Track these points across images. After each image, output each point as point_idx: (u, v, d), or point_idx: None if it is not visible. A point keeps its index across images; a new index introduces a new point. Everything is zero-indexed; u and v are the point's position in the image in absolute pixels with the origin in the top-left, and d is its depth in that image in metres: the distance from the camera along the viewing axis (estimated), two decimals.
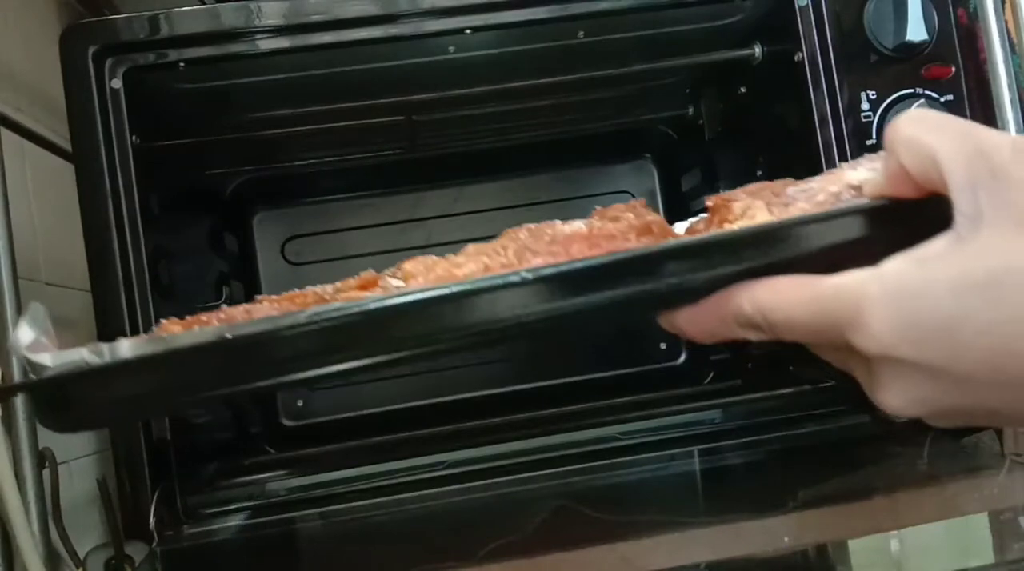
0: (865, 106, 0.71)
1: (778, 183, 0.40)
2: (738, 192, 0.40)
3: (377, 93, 0.83)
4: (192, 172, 0.91)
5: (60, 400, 0.36)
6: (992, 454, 0.64)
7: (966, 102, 0.71)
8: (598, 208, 0.42)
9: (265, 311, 0.39)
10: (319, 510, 0.71)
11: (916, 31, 0.70)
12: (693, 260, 0.34)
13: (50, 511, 0.65)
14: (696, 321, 0.36)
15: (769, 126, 0.80)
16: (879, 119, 0.71)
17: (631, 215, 0.41)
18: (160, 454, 0.68)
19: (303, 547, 0.70)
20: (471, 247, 0.41)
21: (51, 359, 0.37)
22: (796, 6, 0.72)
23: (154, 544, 0.66)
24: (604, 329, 0.79)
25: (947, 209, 0.30)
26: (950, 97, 0.71)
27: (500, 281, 0.33)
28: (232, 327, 0.35)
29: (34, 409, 0.38)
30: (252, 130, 0.87)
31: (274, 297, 0.40)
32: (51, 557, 0.64)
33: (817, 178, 0.39)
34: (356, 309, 0.33)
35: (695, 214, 0.42)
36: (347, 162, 1.00)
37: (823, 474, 0.67)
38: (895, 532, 0.65)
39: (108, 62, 0.69)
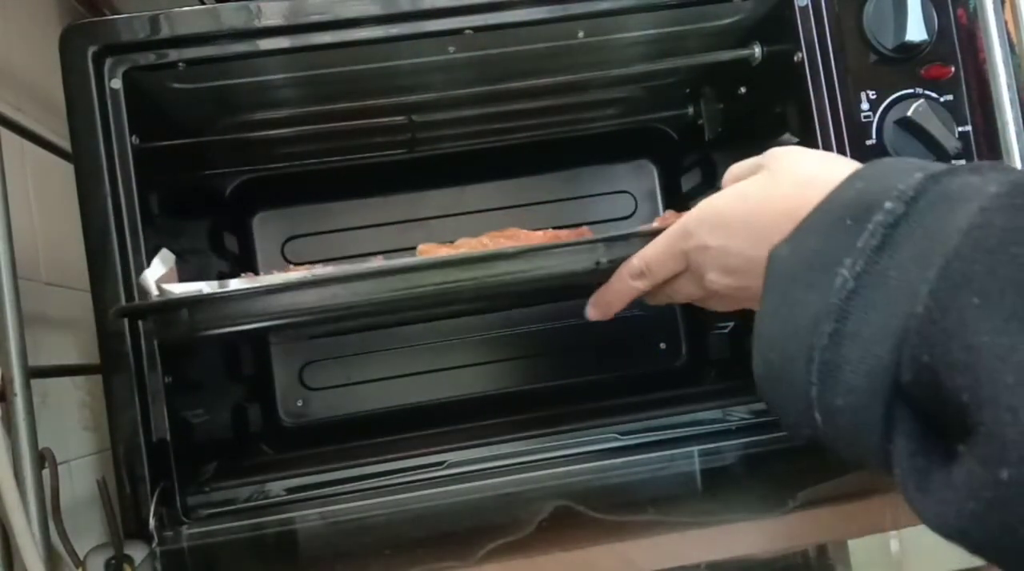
0: (865, 106, 0.71)
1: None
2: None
3: (377, 93, 0.83)
4: (192, 172, 0.91)
5: (181, 317, 0.54)
6: None
7: (966, 102, 0.71)
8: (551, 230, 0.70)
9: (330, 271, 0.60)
10: (319, 510, 0.71)
11: (916, 31, 0.70)
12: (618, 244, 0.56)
13: (50, 511, 0.65)
14: (609, 289, 0.57)
15: (769, 126, 0.80)
16: (879, 119, 0.71)
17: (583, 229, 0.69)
18: (160, 454, 0.68)
19: (303, 547, 0.70)
20: (461, 241, 0.68)
21: (177, 289, 0.55)
22: (796, 6, 0.72)
23: (154, 544, 0.66)
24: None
25: None
26: (950, 97, 0.71)
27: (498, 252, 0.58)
28: (314, 272, 0.58)
29: (157, 327, 0.60)
30: (252, 130, 0.87)
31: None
32: (51, 557, 0.64)
33: None
34: (403, 264, 0.57)
35: None
36: (347, 162, 1.00)
37: (823, 474, 0.67)
38: (895, 532, 0.65)
39: (108, 62, 0.69)
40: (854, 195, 0.38)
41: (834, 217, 0.38)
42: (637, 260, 0.55)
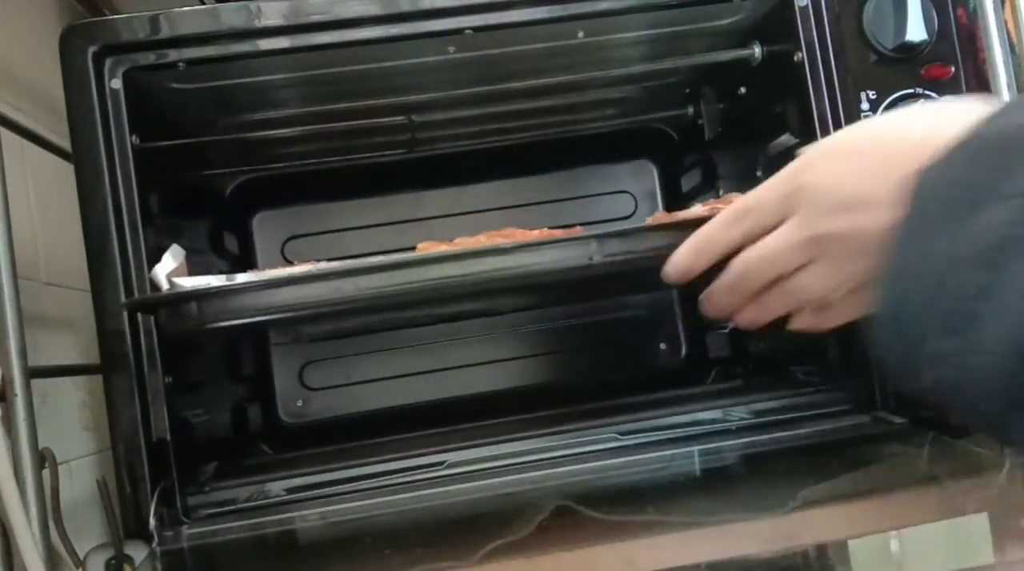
0: (865, 106, 0.71)
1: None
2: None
3: (377, 93, 0.83)
4: (192, 172, 0.91)
5: (190, 309, 0.56)
6: (992, 454, 0.64)
7: None
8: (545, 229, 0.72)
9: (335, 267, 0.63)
10: (319, 510, 0.71)
11: (916, 31, 0.70)
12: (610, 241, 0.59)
13: (50, 511, 0.65)
14: (699, 236, 0.52)
15: (769, 126, 0.80)
16: None
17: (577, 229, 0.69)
18: (160, 454, 0.68)
19: (303, 547, 0.70)
20: (460, 240, 0.69)
21: (187, 283, 0.59)
22: (796, 6, 0.72)
23: (154, 544, 0.66)
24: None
25: None
26: (950, 97, 0.71)
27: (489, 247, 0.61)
28: (319, 266, 0.62)
29: (167, 320, 0.60)
30: (252, 130, 0.87)
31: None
32: (51, 557, 0.64)
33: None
34: (402, 258, 0.61)
35: None
36: (347, 162, 1.00)
37: (823, 474, 0.67)
38: (895, 532, 0.65)
39: (108, 62, 0.69)
40: (1000, 130, 0.34)
41: (980, 152, 0.34)
42: (740, 201, 0.49)
